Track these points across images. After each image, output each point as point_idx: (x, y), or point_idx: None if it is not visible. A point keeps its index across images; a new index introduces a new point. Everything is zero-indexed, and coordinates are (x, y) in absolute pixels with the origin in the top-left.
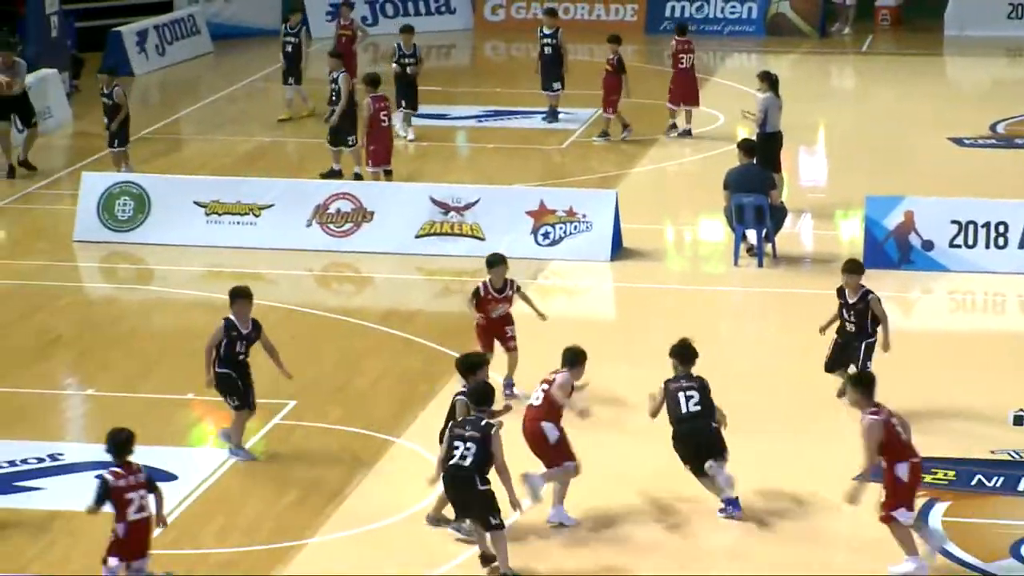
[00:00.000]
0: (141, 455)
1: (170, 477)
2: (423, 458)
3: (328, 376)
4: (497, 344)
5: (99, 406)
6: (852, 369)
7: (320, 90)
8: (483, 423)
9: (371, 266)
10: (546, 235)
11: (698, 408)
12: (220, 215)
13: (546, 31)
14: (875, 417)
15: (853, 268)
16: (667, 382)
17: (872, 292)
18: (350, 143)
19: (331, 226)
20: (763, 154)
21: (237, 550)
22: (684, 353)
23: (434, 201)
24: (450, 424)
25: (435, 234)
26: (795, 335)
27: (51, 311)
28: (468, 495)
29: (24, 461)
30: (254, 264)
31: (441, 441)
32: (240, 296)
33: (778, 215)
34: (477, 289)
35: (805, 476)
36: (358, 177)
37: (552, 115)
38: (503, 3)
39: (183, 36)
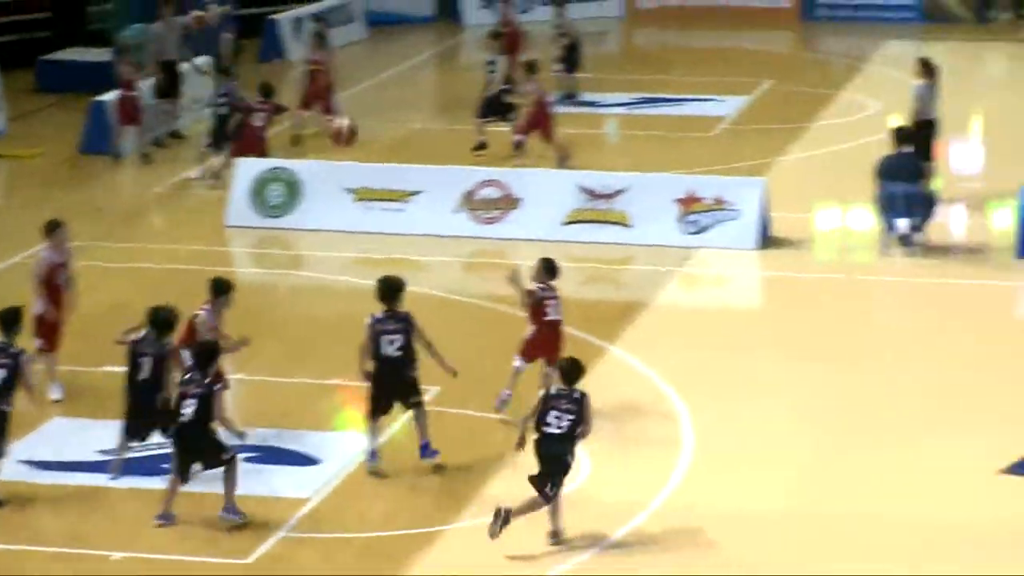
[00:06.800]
0: (288, 439)
1: (313, 461)
2: None
3: (473, 364)
4: None
5: (248, 391)
6: None
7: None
8: None
9: (518, 253)
10: (693, 223)
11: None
12: (370, 201)
13: None
14: None
15: None
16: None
17: None
18: (510, 118)
19: (479, 212)
20: (917, 142)
21: (377, 535)
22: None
23: (582, 188)
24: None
25: (582, 221)
26: (944, 325)
27: (204, 296)
28: None
29: None
30: (403, 250)
31: None
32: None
33: (929, 204)
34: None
35: (950, 470)
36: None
37: None
38: None
39: (339, 24)
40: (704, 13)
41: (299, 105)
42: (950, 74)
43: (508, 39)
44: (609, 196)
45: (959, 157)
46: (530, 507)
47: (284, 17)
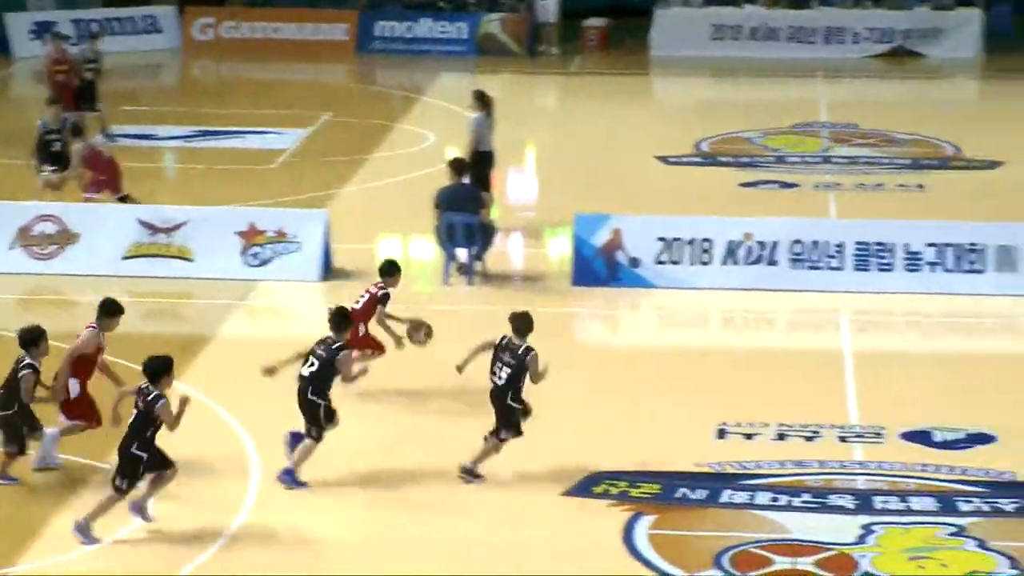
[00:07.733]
0: None
1: None
2: None
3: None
4: None
5: None
6: None
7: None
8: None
9: (77, 289)
10: (255, 256)
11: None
12: None
13: None
14: None
15: None
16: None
17: None
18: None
19: (35, 248)
20: (474, 173)
21: None
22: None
23: (142, 222)
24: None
25: (143, 256)
26: None
27: None
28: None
29: None
30: None
31: None
32: None
33: (488, 234)
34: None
35: (516, 494)
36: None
37: None
38: (212, 23)
39: None
40: (261, 45)
41: None
42: (504, 106)
43: (64, 82)
44: (169, 230)
45: (515, 187)
46: (485, 454)
47: None
